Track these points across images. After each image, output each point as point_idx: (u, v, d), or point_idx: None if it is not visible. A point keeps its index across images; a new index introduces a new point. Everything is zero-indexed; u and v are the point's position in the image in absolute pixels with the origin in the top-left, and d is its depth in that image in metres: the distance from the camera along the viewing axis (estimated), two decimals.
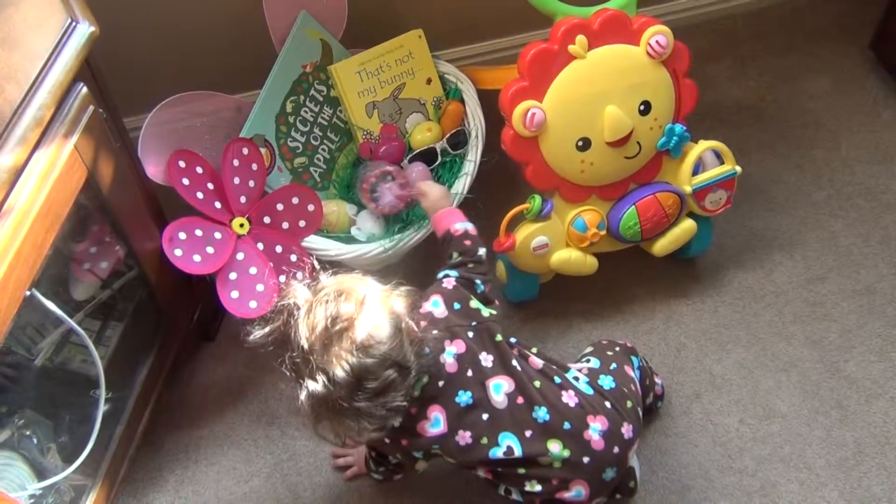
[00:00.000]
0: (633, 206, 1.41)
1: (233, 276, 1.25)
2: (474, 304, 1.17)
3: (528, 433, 1.11)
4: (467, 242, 1.24)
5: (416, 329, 1.06)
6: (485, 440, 1.11)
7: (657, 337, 1.51)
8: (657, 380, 1.40)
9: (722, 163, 1.47)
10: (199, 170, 1.26)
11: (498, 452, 1.12)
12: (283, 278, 1.30)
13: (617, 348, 1.30)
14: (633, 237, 1.44)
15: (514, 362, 1.14)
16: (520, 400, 1.12)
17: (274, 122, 1.40)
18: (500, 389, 1.12)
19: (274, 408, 1.44)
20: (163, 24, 1.46)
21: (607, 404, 1.15)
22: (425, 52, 1.49)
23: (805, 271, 1.58)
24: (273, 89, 1.39)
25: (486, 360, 1.13)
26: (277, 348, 1.04)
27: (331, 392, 0.98)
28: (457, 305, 1.16)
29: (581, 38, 1.30)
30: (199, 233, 1.23)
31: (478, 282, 1.20)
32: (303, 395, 1.00)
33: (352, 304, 1.01)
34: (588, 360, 1.26)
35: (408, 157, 1.48)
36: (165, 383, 1.38)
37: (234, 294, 1.24)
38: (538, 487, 1.14)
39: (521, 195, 1.40)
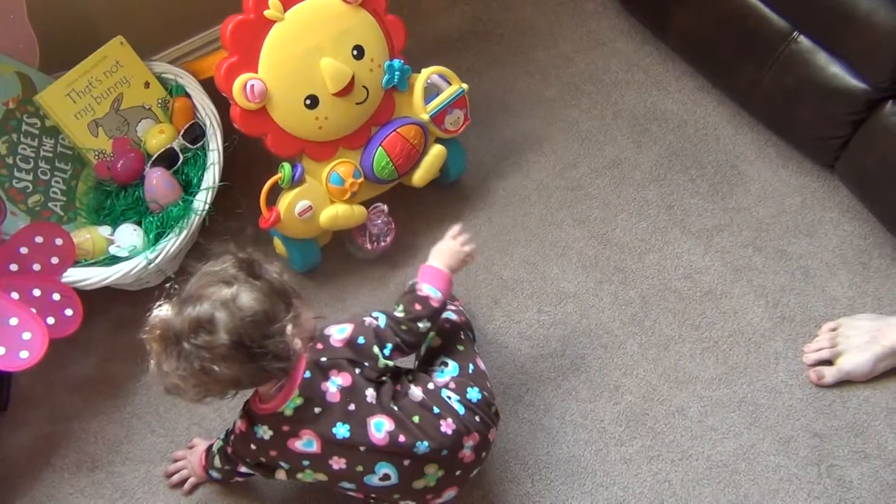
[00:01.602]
0: (380, 147, 1.45)
1: None
2: (375, 350, 1.16)
3: (406, 462, 1.14)
4: (418, 307, 1.20)
5: (294, 331, 1.06)
6: (360, 468, 1.13)
7: None
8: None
9: (450, 85, 1.54)
10: None
11: (374, 479, 1.14)
12: (51, 320, 1.25)
13: (461, 334, 1.30)
14: (390, 176, 1.49)
15: (393, 405, 1.15)
16: (401, 438, 1.13)
17: None
18: (381, 427, 1.13)
19: (92, 452, 1.39)
20: None
21: (477, 419, 1.19)
22: (133, 58, 1.45)
23: (558, 162, 1.70)
24: None
25: (371, 396, 1.14)
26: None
27: (174, 322, 1.02)
28: (361, 340, 1.16)
29: (274, 2, 1.31)
30: None
31: (389, 345, 1.17)
32: (156, 312, 1.05)
33: (248, 276, 1.06)
34: (446, 364, 1.25)
35: (149, 164, 1.45)
36: None
37: (0, 351, 1.18)
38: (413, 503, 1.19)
39: (277, 168, 1.41)
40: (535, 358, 1.48)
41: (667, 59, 1.81)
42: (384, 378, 1.17)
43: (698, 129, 1.73)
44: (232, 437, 1.20)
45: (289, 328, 1.06)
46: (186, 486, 1.34)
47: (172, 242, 1.36)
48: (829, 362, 1.45)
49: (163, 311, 1.05)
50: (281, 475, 1.18)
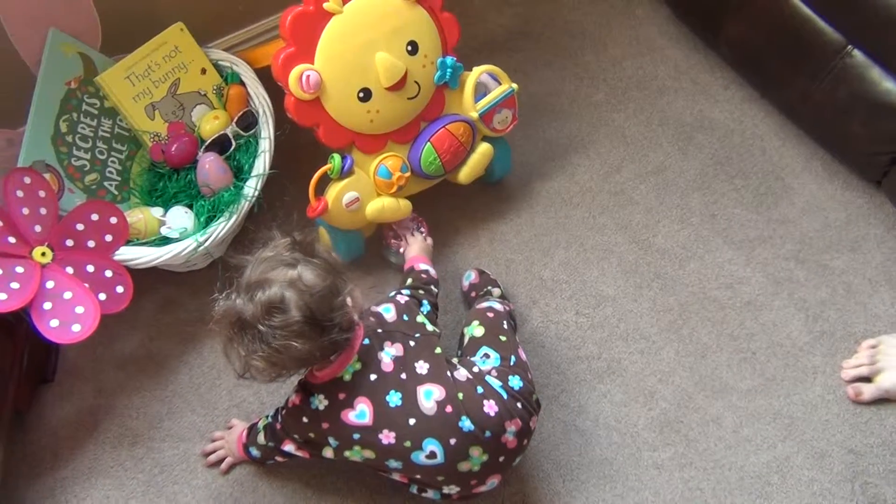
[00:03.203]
0: (429, 143, 1.47)
1: (47, 305, 1.22)
2: (420, 319, 1.25)
3: (452, 441, 1.16)
4: (423, 276, 1.39)
5: (352, 302, 1.13)
6: (408, 443, 1.15)
7: (486, 259, 1.59)
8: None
9: (500, 84, 1.55)
10: None
11: (420, 456, 1.16)
12: (103, 296, 1.28)
13: (504, 324, 1.33)
14: (436, 172, 1.51)
15: (448, 373, 1.19)
16: (448, 409, 1.16)
17: (51, 145, 1.36)
18: (430, 396, 1.16)
19: (133, 427, 1.42)
20: None
21: (519, 405, 1.20)
22: (192, 44, 1.48)
23: (602, 166, 1.71)
24: (40, 113, 1.35)
25: (422, 367, 1.18)
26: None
27: (245, 308, 1.06)
28: (405, 317, 1.24)
29: None
30: None
31: (424, 302, 1.31)
32: (222, 305, 1.09)
33: (306, 256, 1.11)
34: (488, 356, 1.27)
35: (202, 149, 1.47)
36: (10, 435, 1.33)
37: (54, 323, 1.21)
38: (456, 489, 1.21)
39: (325, 159, 1.43)
40: (571, 359, 1.49)
41: (715, 68, 1.81)
42: (438, 348, 1.22)
43: (745, 138, 1.73)
44: (283, 412, 1.23)
45: (348, 300, 1.12)
46: (224, 465, 1.36)
47: (222, 227, 1.38)
48: (867, 379, 1.44)
49: (231, 300, 1.09)
50: (328, 453, 1.20)
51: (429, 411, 1.15)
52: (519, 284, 1.56)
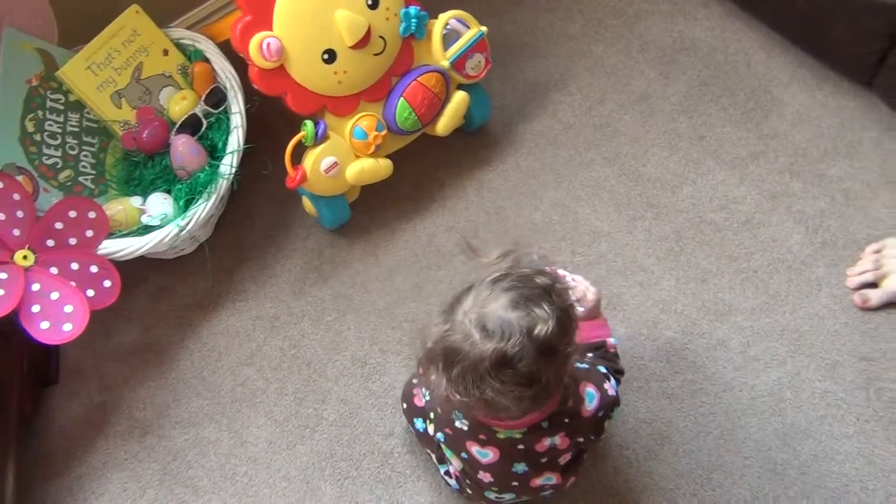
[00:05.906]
0: (402, 98, 1.44)
1: (36, 308, 1.21)
2: (607, 424, 1.13)
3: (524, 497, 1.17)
4: (620, 362, 1.24)
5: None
6: (495, 489, 1.16)
7: (475, 209, 1.57)
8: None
9: (469, 28, 1.51)
10: None
11: (491, 495, 1.17)
12: (91, 292, 1.28)
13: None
14: (413, 126, 1.48)
15: (568, 463, 1.16)
16: (545, 492, 1.16)
17: (19, 146, 1.34)
18: (549, 481, 1.14)
19: (142, 418, 1.42)
20: None
21: (571, 480, 1.22)
22: (150, 26, 1.45)
23: (584, 101, 1.67)
24: (4, 115, 1.32)
25: (564, 460, 1.14)
26: None
27: (472, 348, 0.91)
28: (601, 413, 1.11)
29: None
30: None
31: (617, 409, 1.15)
32: (438, 331, 0.95)
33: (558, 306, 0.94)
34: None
35: (174, 131, 1.45)
36: (20, 440, 1.33)
37: (44, 325, 1.21)
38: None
39: (299, 127, 1.41)
40: None
41: None
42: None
43: (728, 55, 1.68)
44: (429, 395, 1.18)
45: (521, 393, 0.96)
46: None
47: (202, 208, 1.37)
48: (873, 285, 1.42)
49: (447, 326, 0.95)
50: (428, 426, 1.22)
51: (534, 488, 1.15)
52: (511, 231, 1.54)
